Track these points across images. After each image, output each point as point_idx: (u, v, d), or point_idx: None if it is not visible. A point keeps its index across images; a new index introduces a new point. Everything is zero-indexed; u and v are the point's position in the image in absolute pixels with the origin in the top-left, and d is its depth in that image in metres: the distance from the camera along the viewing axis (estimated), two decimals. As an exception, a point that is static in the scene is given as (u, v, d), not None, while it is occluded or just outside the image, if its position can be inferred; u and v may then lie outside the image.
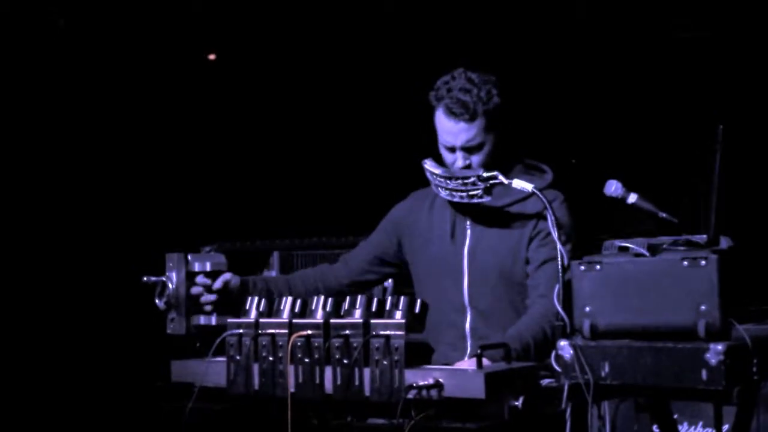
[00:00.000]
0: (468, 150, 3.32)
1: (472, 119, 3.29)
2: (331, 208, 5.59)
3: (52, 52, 5.30)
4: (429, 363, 2.94)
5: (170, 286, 3.31)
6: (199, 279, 3.34)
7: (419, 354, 2.86)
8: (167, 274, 3.33)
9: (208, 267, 3.36)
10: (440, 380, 2.70)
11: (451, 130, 3.32)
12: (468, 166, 3.32)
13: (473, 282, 3.35)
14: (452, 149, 3.34)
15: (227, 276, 3.37)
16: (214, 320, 3.32)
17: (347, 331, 2.82)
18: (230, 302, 3.33)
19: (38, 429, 5.13)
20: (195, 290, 3.33)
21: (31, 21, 5.21)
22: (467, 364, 2.96)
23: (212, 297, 3.33)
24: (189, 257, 3.35)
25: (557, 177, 3.33)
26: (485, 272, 3.34)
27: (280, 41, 5.74)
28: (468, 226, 3.39)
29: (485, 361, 2.79)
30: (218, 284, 3.34)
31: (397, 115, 5.38)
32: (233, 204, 5.66)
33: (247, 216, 5.50)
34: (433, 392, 2.70)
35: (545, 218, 3.13)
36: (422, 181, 3.43)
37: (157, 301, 3.33)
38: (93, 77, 5.42)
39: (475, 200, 3.25)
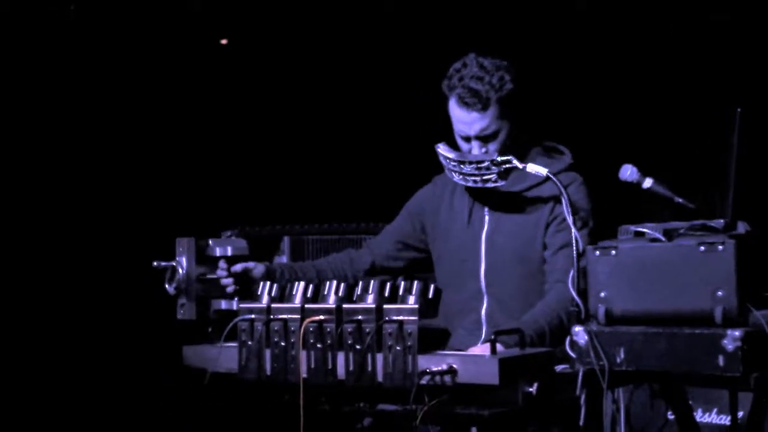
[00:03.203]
0: (483, 139, 3.30)
1: (485, 108, 3.27)
2: (343, 194, 5.57)
3: (63, 37, 5.28)
4: (445, 348, 2.91)
5: (180, 271, 3.30)
6: (221, 263, 3.33)
7: (436, 339, 2.83)
8: (177, 258, 3.32)
9: (229, 252, 3.36)
10: (454, 366, 2.68)
11: (464, 119, 3.30)
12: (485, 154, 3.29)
13: (490, 268, 3.33)
14: (467, 138, 3.32)
15: (250, 264, 3.37)
16: (235, 305, 3.31)
17: (360, 317, 2.80)
18: (254, 288, 3.32)
19: (47, 414, 5.13)
20: (217, 274, 3.33)
21: (42, 6, 5.19)
22: (481, 349, 2.94)
23: (232, 281, 3.32)
24: (210, 242, 3.36)
25: (577, 162, 3.31)
26: (503, 258, 3.32)
27: (293, 26, 5.71)
28: (486, 212, 3.38)
29: (499, 347, 2.76)
30: (237, 267, 3.34)
31: (410, 100, 5.35)
32: (244, 189, 5.65)
33: (257, 201, 5.48)
34: (447, 378, 2.68)
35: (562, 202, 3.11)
36: (434, 166, 3.41)
37: (167, 286, 3.32)
38: (105, 62, 5.40)
39: (490, 185, 3.23)
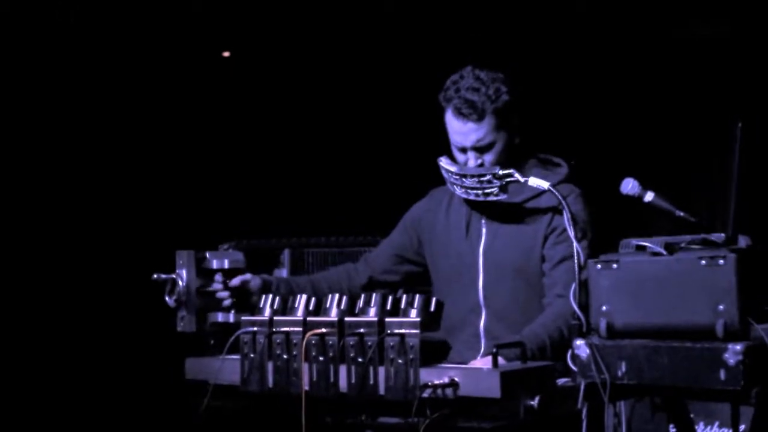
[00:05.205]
0: (479, 150, 3.31)
1: (480, 119, 3.28)
2: (343, 206, 5.57)
3: (63, 47, 5.30)
4: (446, 361, 2.91)
5: (180, 283, 3.30)
6: (217, 276, 3.33)
7: (438, 352, 2.84)
8: (177, 271, 3.32)
9: (226, 264, 3.36)
10: (455, 379, 2.69)
11: (460, 130, 3.31)
12: (481, 166, 3.30)
13: (488, 281, 3.33)
14: (463, 149, 3.33)
15: (247, 276, 3.37)
16: (232, 318, 3.32)
17: (362, 330, 2.80)
18: (250, 301, 3.32)
19: (49, 428, 5.12)
20: (214, 287, 3.33)
21: (42, 16, 5.20)
22: (482, 362, 2.94)
23: (228, 294, 3.32)
24: (207, 255, 3.36)
25: (574, 173, 3.31)
26: (501, 271, 3.32)
27: (294, 40, 5.73)
28: (483, 224, 3.37)
29: (501, 360, 2.77)
30: (235, 282, 3.34)
31: (410, 113, 5.36)
32: (244, 202, 5.66)
33: (257, 214, 5.49)
34: (448, 391, 2.69)
35: (560, 213, 3.12)
36: (434, 178, 3.41)
37: (167, 298, 3.32)
38: (106, 73, 5.41)
39: (491, 198, 3.23)
